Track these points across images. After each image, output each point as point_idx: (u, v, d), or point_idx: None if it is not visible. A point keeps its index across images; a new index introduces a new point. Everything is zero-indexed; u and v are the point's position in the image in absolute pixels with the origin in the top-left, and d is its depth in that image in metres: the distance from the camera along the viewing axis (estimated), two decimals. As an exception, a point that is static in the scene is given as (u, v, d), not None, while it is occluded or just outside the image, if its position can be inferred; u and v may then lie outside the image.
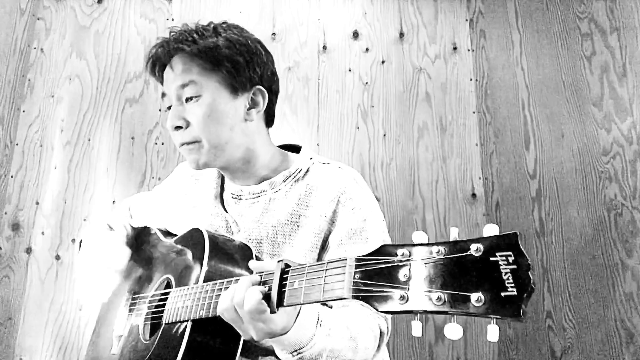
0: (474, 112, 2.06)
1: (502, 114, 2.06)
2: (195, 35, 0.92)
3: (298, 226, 0.93)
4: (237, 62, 0.92)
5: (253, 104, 0.96)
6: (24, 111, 2.01)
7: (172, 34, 0.94)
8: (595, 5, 2.13)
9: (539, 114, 2.05)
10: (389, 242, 0.93)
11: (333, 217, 0.93)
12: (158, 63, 0.96)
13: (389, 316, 0.91)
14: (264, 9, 2.15)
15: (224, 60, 0.91)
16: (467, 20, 2.17)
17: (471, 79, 2.10)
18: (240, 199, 1.00)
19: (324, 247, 0.93)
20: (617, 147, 1.98)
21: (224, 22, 0.98)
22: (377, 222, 0.97)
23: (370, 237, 0.92)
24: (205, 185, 1.07)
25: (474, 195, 1.97)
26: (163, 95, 0.95)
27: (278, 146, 1.07)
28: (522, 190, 1.98)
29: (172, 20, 2.13)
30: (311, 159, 1.02)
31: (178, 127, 0.92)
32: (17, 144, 1.97)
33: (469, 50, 2.13)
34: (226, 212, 1.00)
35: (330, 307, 0.90)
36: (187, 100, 0.92)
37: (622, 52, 2.07)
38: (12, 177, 1.94)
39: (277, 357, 0.87)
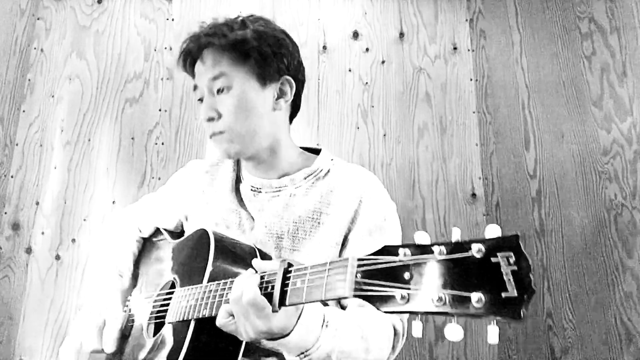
0: (474, 112, 2.06)
1: (502, 114, 2.06)
2: (224, 28, 0.95)
3: (319, 223, 0.94)
4: (265, 53, 0.95)
5: (281, 94, 0.99)
6: (24, 111, 2.01)
7: (202, 28, 0.97)
8: (595, 5, 2.13)
9: (539, 114, 2.05)
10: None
11: (354, 216, 0.95)
12: (189, 58, 0.99)
13: (405, 318, 0.91)
14: (264, 9, 2.15)
15: (253, 52, 0.94)
16: (467, 20, 2.17)
17: (471, 79, 2.10)
18: (259, 192, 1.01)
19: (344, 244, 0.94)
20: (617, 147, 1.98)
21: (251, 15, 1.01)
22: (395, 222, 1.00)
23: (389, 235, 0.95)
24: (221, 181, 1.06)
25: (474, 195, 1.97)
26: (195, 87, 1.00)
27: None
28: (522, 190, 1.98)
29: (172, 20, 2.13)
30: (332, 160, 1.04)
31: (211, 119, 0.95)
32: (17, 144, 1.97)
33: (469, 50, 2.13)
34: (242, 206, 1.00)
35: (345, 306, 0.91)
36: (218, 92, 0.95)
37: (622, 52, 2.07)
38: (12, 177, 1.94)
39: (278, 358, 0.87)
